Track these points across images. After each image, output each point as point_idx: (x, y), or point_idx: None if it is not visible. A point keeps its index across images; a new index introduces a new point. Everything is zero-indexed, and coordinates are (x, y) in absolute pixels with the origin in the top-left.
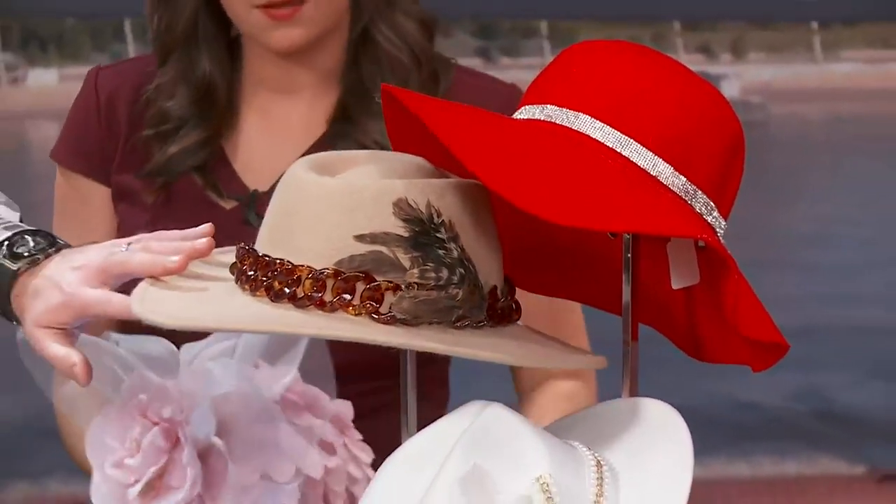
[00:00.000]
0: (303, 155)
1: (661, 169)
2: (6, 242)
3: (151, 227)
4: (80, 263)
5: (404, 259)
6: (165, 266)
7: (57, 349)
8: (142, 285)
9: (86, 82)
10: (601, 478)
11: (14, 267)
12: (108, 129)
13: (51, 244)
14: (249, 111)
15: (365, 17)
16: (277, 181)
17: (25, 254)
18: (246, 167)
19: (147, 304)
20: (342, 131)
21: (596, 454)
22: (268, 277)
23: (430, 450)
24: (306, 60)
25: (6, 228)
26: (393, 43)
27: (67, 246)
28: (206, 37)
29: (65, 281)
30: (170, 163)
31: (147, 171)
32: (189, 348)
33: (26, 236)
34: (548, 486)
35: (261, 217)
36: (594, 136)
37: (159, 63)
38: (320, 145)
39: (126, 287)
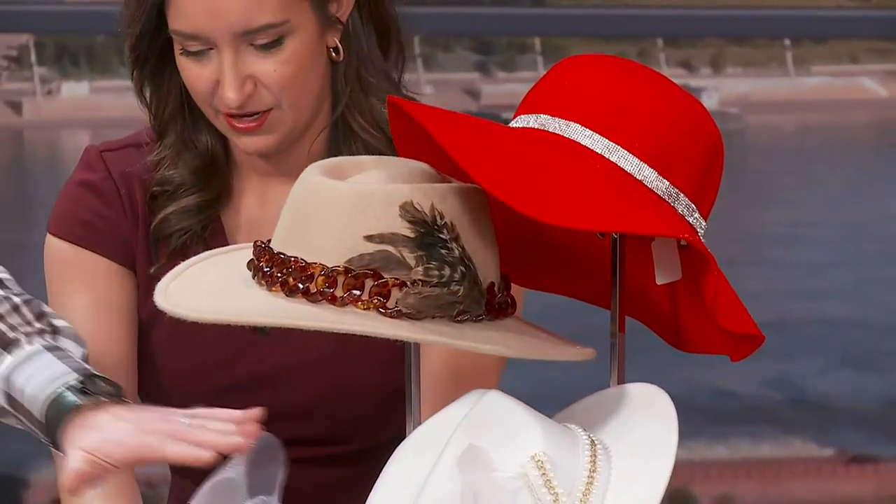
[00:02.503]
0: None
1: (646, 173)
2: (80, 382)
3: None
4: (133, 417)
5: (410, 258)
6: (199, 458)
7: (74, 460)
8: (165, 279)
9: (92, 163)
10: (595, 455)
11: (81, 402)
12: (130, 210)
13: (118, 393)
14: (248, 196)
15: (342, 102)
16: None
17: (93, 393)
18: None
19: (171, 298)
20: None
21: (591, 434)
22: (283, 274)
23: (434, 435)
24: (287, 154)
25: (77, 371)
26: (368, 131)
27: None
28: (199, 114)
29: (122, 429)
30: (167, 222)
31: (152, 233)
32: None
33: (97, 381)
34: (542, 463)
35: None
36: (584, 143)
37: (157, 137)
38: None
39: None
